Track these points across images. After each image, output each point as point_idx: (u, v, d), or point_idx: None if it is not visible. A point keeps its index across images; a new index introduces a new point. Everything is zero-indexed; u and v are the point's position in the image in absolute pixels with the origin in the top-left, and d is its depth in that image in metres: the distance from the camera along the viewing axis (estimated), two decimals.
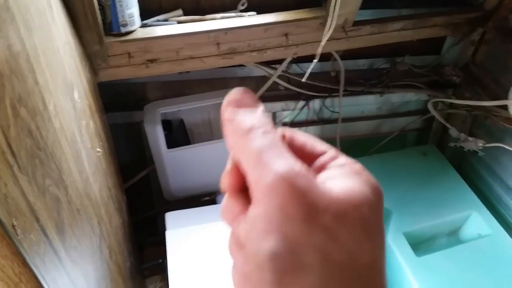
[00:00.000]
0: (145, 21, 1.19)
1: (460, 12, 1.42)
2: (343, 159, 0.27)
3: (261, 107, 0.27)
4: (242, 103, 0.27)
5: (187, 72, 1.51)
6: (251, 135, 0.25)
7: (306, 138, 0.28)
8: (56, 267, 0.71)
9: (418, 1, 1.51)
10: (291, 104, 1.69)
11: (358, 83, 1.69)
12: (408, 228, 1.48)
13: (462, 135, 1.63)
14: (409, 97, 1.83)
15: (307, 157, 0.27)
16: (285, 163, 0.23)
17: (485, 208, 1.55)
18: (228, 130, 0.26)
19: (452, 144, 1.66)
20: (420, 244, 1.50)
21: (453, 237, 1.58)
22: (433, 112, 1.69)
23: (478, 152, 1.61)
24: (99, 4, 1.05)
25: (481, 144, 1.59)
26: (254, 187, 0.24)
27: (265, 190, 0.23)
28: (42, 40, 0.73)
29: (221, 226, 1.31)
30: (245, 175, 0.25)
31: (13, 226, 0.55)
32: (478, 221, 1.52)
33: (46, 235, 0.66)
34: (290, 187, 0.22)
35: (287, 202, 0.22)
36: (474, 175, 1.82)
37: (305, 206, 0.22)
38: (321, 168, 0.26)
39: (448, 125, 1.68)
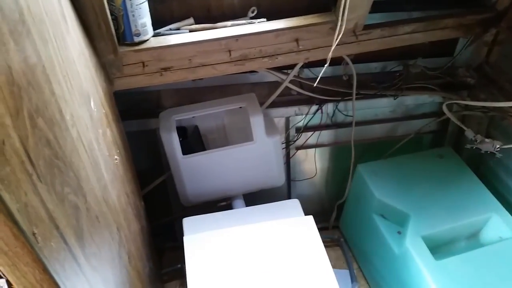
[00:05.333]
0: (157, 30, 1.21)
1: (472, 13, 1.41)
2: None
3: None
4: None
5: (200, 79, 1.53)
6: None
7: None
8: (76, 273, 0.72)
9: (428, 3, 1.50)
10: (304, 108, 1.70)
11: (371, 86, 1.68)
12: (427, 231, 1.46)
13: (479, 137, 1.60)
14: (423, 100, 1.81)
15: None
16: None
17: (505, 211, 1.52)
18: None
19: (468, 146, 1.64)
20: (439, 248, 1.48)
21: (472, 240, 1.55)
22: (448, 114, 1.67)
23: (495, 153, 1.58)
24: (112, 15, 1.07)
25: (498, 146, 1.56)
26: None
27: None
28: (57, 51, 0.75)
29: (238, 232, 1.32)
30: None
31: (34, 234, 0.57)
32: (499, 224, 1.49)
33: (65, 242, 0.68)
34: None
35: None
36: (492, 177, 1.79)
37: None
38: None
39: (464, 127, 1.65)
